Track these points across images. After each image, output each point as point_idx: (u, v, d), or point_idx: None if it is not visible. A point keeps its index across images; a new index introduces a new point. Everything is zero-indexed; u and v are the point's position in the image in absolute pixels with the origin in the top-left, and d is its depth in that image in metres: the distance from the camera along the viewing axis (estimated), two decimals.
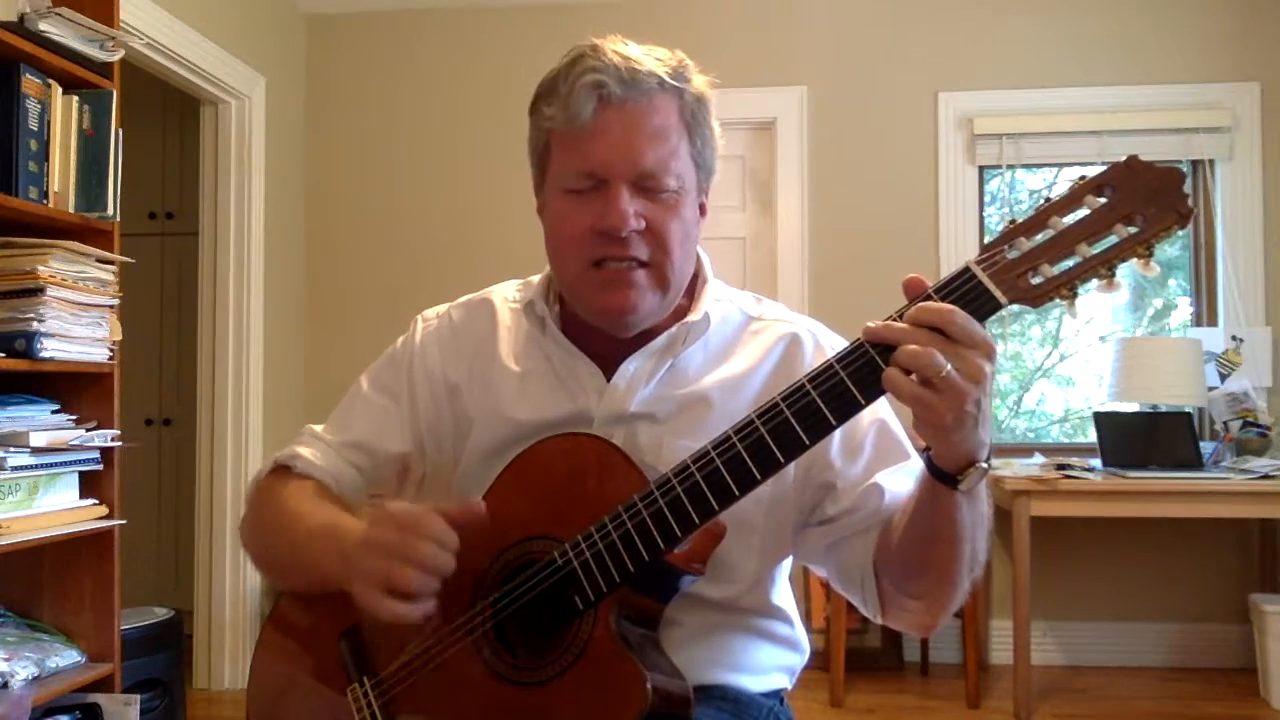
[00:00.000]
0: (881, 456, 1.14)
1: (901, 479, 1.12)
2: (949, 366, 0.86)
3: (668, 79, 1.10)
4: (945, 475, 0.95)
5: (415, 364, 1.26)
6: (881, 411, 1.16)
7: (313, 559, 1.10)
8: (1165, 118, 3.91)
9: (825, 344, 1.19)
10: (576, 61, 1.10)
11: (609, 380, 1.17)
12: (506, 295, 1.29)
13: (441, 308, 1.31)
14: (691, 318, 1.17)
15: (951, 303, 0.89)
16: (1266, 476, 3.27)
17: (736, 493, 0.96)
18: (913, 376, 0.87)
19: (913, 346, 0.86)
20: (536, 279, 1.26)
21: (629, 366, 1.16)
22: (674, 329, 1.17)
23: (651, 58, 1.11)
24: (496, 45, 4.19)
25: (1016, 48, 4.02)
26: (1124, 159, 0.87)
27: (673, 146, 1.10)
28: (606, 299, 1.12)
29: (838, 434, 1.11)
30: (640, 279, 1.11)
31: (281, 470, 1.24)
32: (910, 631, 1.16)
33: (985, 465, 0.95)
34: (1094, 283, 0.89)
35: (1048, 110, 3.97)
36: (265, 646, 1.22)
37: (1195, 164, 3.94)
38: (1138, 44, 3.97)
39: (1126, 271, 0.88)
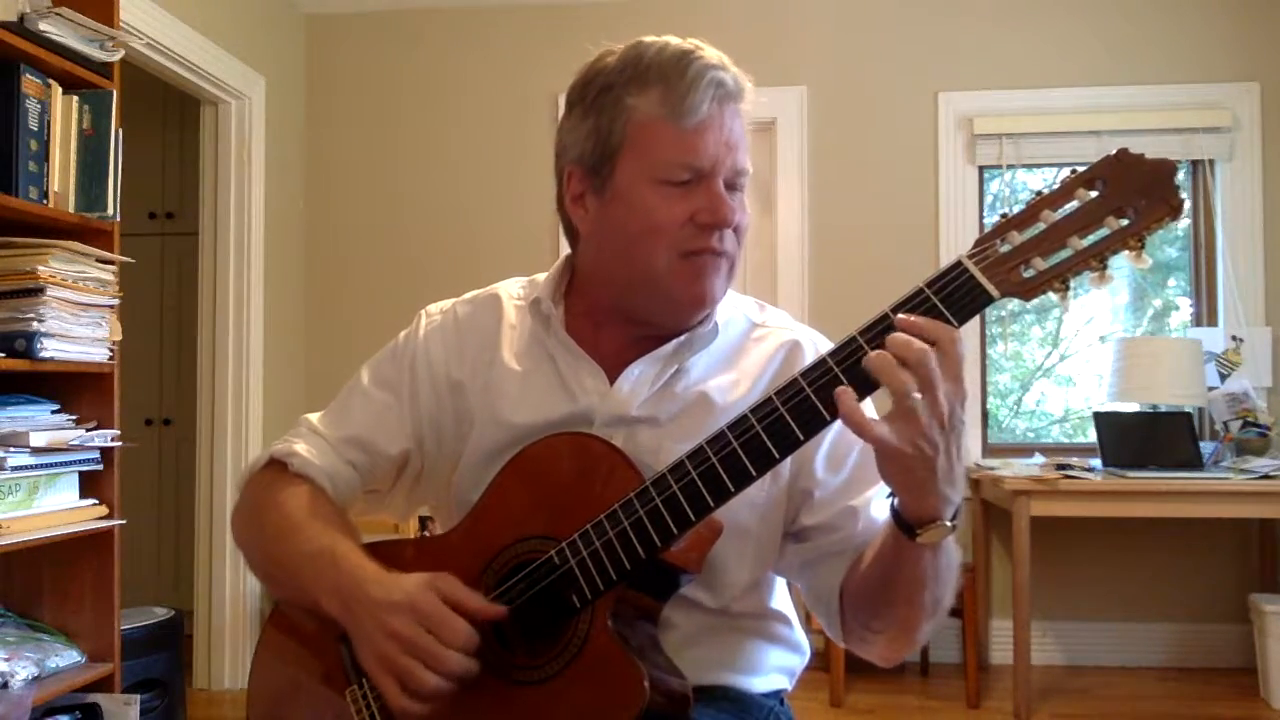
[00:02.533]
0: (864, 473, 1.14)
1: (881, 503, 1.11)
2: (916, 394, 0.88)
3: (742, 83, 1.14)
4: (907, 525, 0.95)
5: (418, 359, 1.25)
6: None
7: (307, 583, 1.10)
8: (1165, 118, 3.91)
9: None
10: (685, 56, 1.10)
11: (612, 382, 1.16)
12: (511, 292, 1.29)
13: (446, 303, 1.30)
14: (701, 328, 1.17)
15: (944, 296, 0.90)
16: (1266, 476, 3.27)
17: (732, 489, 0.97)
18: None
19: (892, 362, 0.88)
20: (541, 277, 1.26)
21: (634, 370, 1.16)
22: (683, 337, 1.17)
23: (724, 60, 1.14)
24: (496, 45, 4.20)
25: (1016, 48, 4.02)
26: (1114, 152, 0.88)
27: (748, 151, 1.15)
28: (697, 288, 1.12)
29: (826, 442, 1.13)
30: (722, 267, 1.14)
31: (277, 465, 1.23)
32: (871, 659, 1.17)
33: (950, 525, 0.95)
34: (1087, 275, 0.89)
35: (1048, 110, 3.97)
36: (266, 648, 1.22)
37: (1195, 164, 3.95)
38: (1138, 44, 3.97)
39: (1125, 270, 0.88)
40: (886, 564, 1.01)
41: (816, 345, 1.21)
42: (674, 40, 1.13)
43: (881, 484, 1.12)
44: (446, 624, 0.98)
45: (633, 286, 1.15)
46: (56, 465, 2.31)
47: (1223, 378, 3.73)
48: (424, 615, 0.98)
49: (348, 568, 1.06)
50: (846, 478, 1.14)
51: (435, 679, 0.97)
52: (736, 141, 1.12)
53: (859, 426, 0.89)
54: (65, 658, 2.37)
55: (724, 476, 0.97)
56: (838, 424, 0.95)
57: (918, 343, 0.88)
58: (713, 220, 1.10)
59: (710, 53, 1.12)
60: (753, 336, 1.22)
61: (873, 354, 0.89)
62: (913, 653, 1.12)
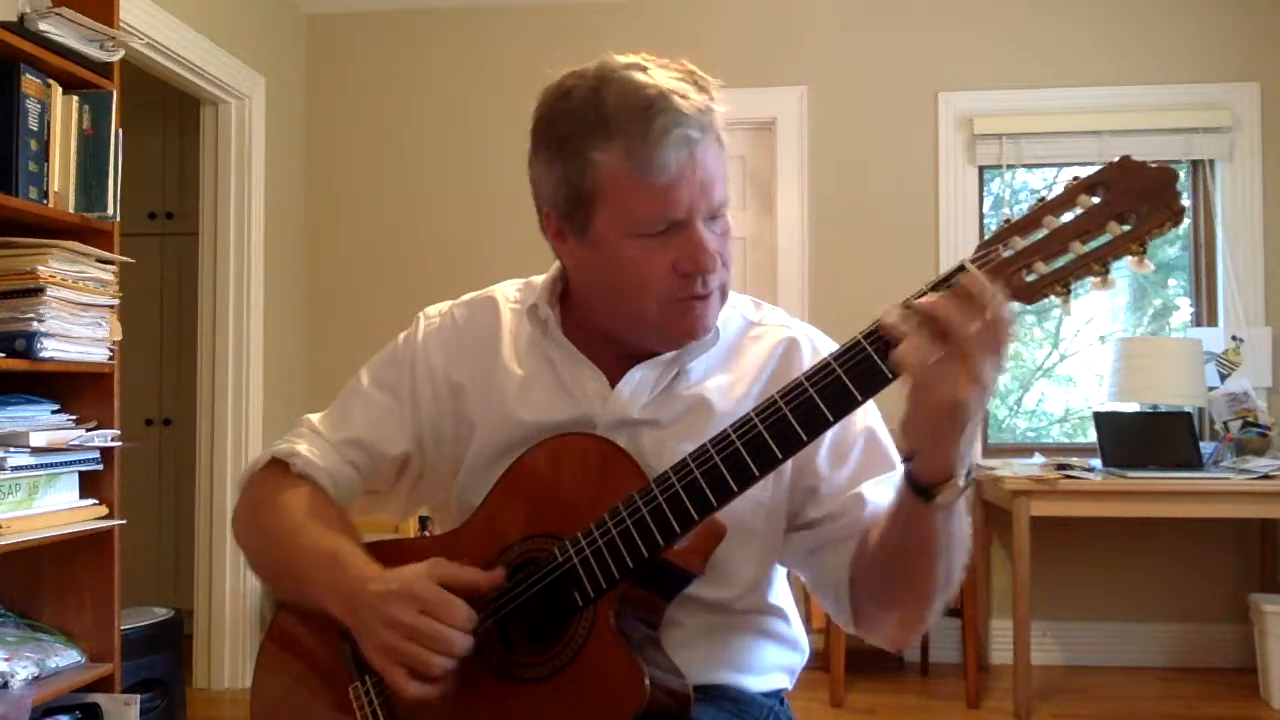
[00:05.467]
0: (867, 465, 1.15)
1: (885, 490, 1.12)
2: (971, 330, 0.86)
3: (712, 105, 1.08)
4: (923, 488, 0.95)
5: (418, 362, 1.25)
6: (872, 420, 1.17)
7: (310, 584, 1.10)
8: (1165, 118, 3.91)
9: (822, 349, 1.20)
10: (649, 108, 1.03)
11: (613, 386, 1.17)
12: (508, 295, 1.29)
13: (444, 305, 1.31)
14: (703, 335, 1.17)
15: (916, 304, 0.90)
16: (1266, 476, 3.27)
17: (735, 489, 0.97)
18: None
19: (950, 314, 0.86)
20: (538, 280, 1.26)
21: (635, 375, 1.16)
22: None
23: (690, 84, 1.07)
24: (496, 45, 4.19)
25: (1016, 48, 4.02)
26: (1117, 159, 0.88)
27: (724, 172, 1.11)
28: (687, 326, 1.12)
29: (827, 439, 1.12)
30: (712, 303, 1.13)
31: (278, 465, 1.24)
32: (881, 645, 1.16)
33: (963, 484, 0.94)
34: (1089, 280, 0.89)
35: (1048, 110, 3.97)
36: (266, 657, 1.22)
37: (1195, 164, 3.95)
38: (1138, 44, 3.97)
39: (1125, 271, 0.88)
40: (900, 535, 1.00)
41: (813, 341, 1.21)
42: (638, 76, 1.06)
43: (886, 473, 1.13)
44: (444, 605, 0.99)
45: (622, 323, 1.15)
46: (56, 465, 2.31)
47: (1223, 378, 3.73)
48: (422, 600, 0.99)
49: (350, 568, 1.07)
50: (851, 470, 1.14)
51: (440, 660, 0.98)
52: (712, 178, 1.07)
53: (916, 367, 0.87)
54: (65, 658, 2.37)
55: (727, 476, 0.97)
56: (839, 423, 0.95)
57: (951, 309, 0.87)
58: (694, 268, 1.08)
59: (675, 99, 1.04)
60: (750, 335, 1.22)
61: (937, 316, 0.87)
62: (921, 634, 1.10)
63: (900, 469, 1.11)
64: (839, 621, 1.15)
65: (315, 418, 1.29)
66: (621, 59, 1.09)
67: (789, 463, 1.08)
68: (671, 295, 1.09)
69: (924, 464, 0.94)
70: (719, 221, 1.11)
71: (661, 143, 1.03)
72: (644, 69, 1.07)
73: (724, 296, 1.16)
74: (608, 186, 1.07)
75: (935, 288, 0.91)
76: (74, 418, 2.40)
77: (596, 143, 1.06)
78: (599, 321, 1.18)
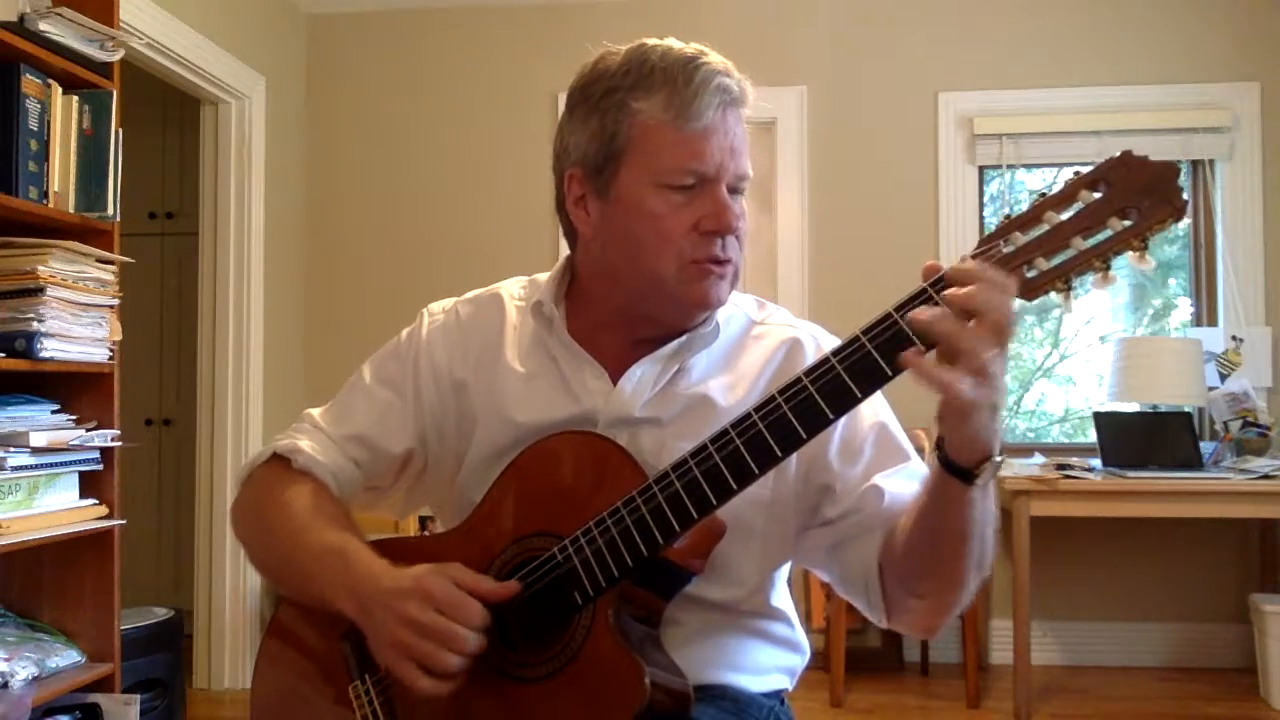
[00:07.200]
0: (881, 458, 1.14)
1: (902, 481, 1.12)
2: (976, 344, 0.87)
3: (745, 84, 1.14)
4: (960, 470, 0.94)
5: (421, 358, 1.25)
6: (881, 414, 1.17)
7: (318, 582, 1.10)
8: (1165, 118, 3.91)
9: (826, 347, 1.19)
10: (692, 61, 1.10)
11: (615, 383, 1.16)
12: (512, 292, 1.29)
13: (448, 302, 1.31)
14: (702, 329, 1.17)
15: (949, 296, 0.90)
16: (1266, 476, 3.27)
17: (735, 486, 0.97)
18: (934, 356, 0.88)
19: (949, 327, 0.87)
20: (542, 277, 1.26)
21: (636, 371, 1.16)
22: (684, 338, 1.17)
23: (726, 62, 1.14)
24: (496, 45, 4.20)
25: (1016, 48, 4.02)
26: (1118, 154, 0.88)
27: (748, 150, 1.15)
28: (704, 293, 1.12)
29: (837, 436, 1.13)
30: (727, 274, 1.14)
31: (280, 461, 1.23)
32: (913, 633, 1.17)
33: (999, 459, 0.95)
34: (1090, 276, 0.89)
35: (1048, 110, 3.97)
36: (266, 655, 1.22)
37: (1195, 164, 3.95)
38: (1138, 44, 3.97)
39: (1126, 270, 0.88)
40: (937, 519, 1.00)
41: (817, 340, 1.21)
42: (677, 43, 1.13)
43: (902, 464, 1.13)
44: (459, 605, 0.99)
45: (637, 289, 1.15)
46: (56, 465, 2.31)
47: (1223, 378, 3.73)
48: (435, 598, 0.99)
49: (360, 566, 1.07)
50: (865, 465, 1.14)
51: (454, 658, 0.98)
52: (739, 146, 1.12)
53: (940, 384, 0.88)
54: (65, 658, 2.37)
55: (726, 474, 0.97)
56: (844, 419, 0.95)
57: (981, 293, 0.87)
58: (717, 226, 1.10)
59: (714, 58, 1.12)
60: (753, 334, 1.22)
61: (927, 312, 0.88)
62: (955, 617, 1.11)
63: (915, 460, 1.12)
64: (873, 618, 1.15)
65: (317, 412, 1.29)
66: (658, 39, 1.15)
67: (794, 461, 1.08)
68: (691, 255, 1.10)
69: (961, 449, 0.94)
70: (738, 200, 1.13)
71: (702, 90, 1.09)
72: (683, 43, 1.14)
73: (735, 279, 1.16)
74: (641, 136, 1.11)
75: (936, 284, 0.91)
76: (74, 418, 2.40)
77: (638, 93, 1.11)
78: (609, 301, 1.18)
